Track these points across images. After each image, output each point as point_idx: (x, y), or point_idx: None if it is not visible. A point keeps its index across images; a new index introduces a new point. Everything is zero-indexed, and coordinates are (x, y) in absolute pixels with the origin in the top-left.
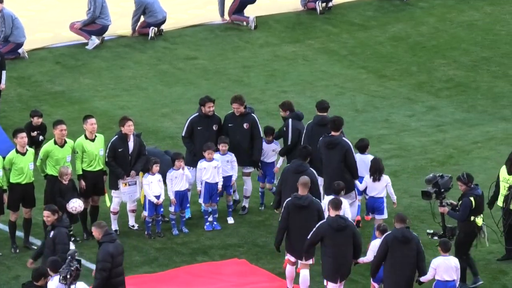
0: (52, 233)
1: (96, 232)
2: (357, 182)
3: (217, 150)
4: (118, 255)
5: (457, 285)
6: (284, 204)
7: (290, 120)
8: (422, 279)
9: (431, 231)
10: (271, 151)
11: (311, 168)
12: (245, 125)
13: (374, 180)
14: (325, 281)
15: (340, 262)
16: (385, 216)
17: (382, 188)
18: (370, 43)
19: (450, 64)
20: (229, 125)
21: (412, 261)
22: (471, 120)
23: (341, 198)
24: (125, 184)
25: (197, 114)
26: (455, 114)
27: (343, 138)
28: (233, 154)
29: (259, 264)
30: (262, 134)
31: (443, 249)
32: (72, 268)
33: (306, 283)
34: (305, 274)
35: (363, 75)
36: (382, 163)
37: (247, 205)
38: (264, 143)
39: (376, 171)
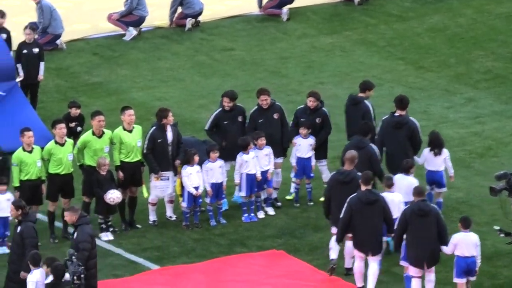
0: (19, 228)
1: (71, 216)
2: (415, 157)
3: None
4: (94, 236)
5: (478, 261)
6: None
7: (326, 109)
8: (443, 249)
9: (498, 228)
10: (308, 145)
11: (371, 144)
12: (275, 116)
13: (435, 155)
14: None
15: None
16: (445, 189)
17: (442, 161)
18: (408, 34)
19: (488, 56)
20: (259, 120)
21: (432, 235)
22: (509, 111)
23: (411, 177)
24: (157, 178)
25: (221, 109)
26: (493, 106)
27: (410, 117)
28: (270, 147)
29: (297, 255)
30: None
31: (463, 226)
32: (81, 268)
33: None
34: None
35: (401, 67)
36: (442, 137)
37: (276, 196)
38: (300, 138)
39: (436, 146)
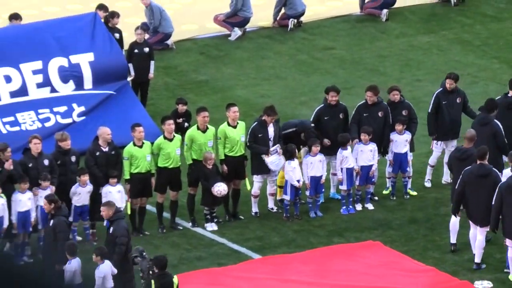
0: (52, 222)
1: (108, 211)
2: None
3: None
4: (129, 230)
5: None
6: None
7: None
8: None
9: None
10: (404, 141)
11: (495, 120)
12: (379, 114)
13: None
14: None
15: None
16: None
17: None
18: (503, 34)
19: None
20: (364, 114)
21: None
22: None
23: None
24: (268, 155)
25: (323, 104)
26: None
27: (495, 120)
28: (375, 144)
29: (393, 246)
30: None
31: None
32: (150, 264)
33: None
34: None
35: (496, 65)
36: None
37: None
38: (396, 134)
39: None
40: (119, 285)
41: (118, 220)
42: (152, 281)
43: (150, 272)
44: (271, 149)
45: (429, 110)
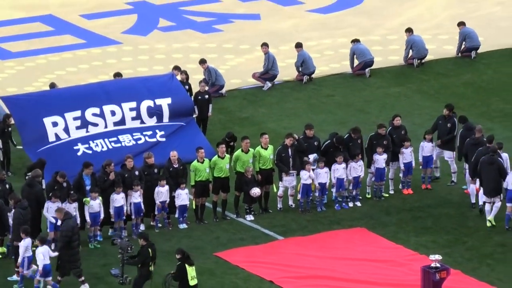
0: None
1: (59, 215)
2: None
3: None
4: (76, 227)
5: None
6: None
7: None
8: None
9: None
10: (383, 160)
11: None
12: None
13: None
14: None
15: None
16: None
17: None
18: (450, 86)
19: (502, 100)
20: (350, 144)
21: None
22: None
23: None
24: (286, 174)
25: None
26: None
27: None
28: (362, 161)
29: (374, 231)
30: None
31: None
32: (130, 243)
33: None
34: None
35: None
36: None
37: None
38: (377, 155)
39: None
40: (64, 263)
41: (66, 220)
42: (149, 250)
43: (129, 248)
44: (290, 172)
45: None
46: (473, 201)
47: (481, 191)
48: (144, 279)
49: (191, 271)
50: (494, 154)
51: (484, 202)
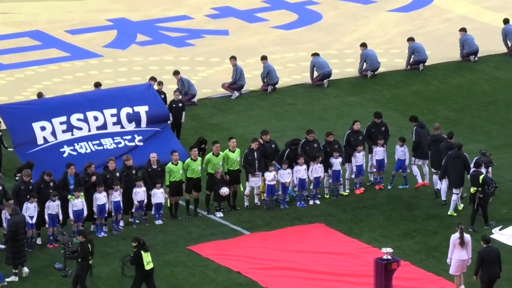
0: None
1: (8, 210)
2: None
3: None
4: (21, 222)
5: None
6: None
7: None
8: None
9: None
10: (338, 163)
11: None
12: (315, 145)
13: None
14: None
15: None
16: None
17: None
18: (400, 96)
19: (446, 108)
20: (307, 147)
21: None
22: None
23: None
24: (252, 175)
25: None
26: None
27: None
28: (322, 165)
29: (332, 226)
30: None
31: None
32: (70, 239)
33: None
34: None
35: (395, 114)
36: None
37: None
38: (333, 159)
39: None
40: (9, 253)
41: (13, 215)
42: (89, 245)
43: (70, 243)
44: (256, 173)
45: (343, 144)
46: (438, 187)
47: (444, 183)
48: (86, 272)
49: (146, 256)
50: (460, 149)
51: (440, 190)
